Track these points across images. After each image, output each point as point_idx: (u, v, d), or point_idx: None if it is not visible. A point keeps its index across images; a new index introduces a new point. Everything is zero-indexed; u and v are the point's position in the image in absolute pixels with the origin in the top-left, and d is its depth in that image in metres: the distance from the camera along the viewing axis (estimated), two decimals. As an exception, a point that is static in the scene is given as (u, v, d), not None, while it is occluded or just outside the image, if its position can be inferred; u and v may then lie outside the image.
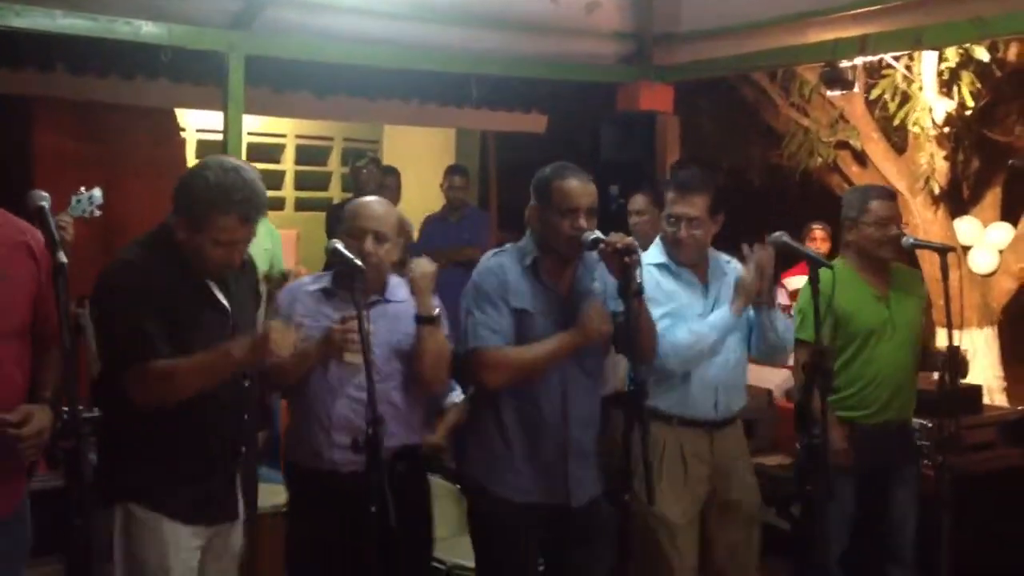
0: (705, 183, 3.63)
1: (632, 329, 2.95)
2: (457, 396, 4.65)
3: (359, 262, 3.04)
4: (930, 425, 3.97)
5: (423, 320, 3.32)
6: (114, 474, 2.92)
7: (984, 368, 7.68)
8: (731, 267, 3.74)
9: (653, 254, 3.73)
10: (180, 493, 2.95)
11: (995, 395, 7.89)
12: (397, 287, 3.48)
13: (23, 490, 2.78)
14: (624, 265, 2.99)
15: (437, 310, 3.34)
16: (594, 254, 3.20)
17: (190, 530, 2.99)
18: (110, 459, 2.94)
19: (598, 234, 3.15)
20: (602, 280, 3.31)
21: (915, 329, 4.02)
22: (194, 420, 2.91)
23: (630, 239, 3.08)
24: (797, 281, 6.68)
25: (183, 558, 2.97)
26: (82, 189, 4.05)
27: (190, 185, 2.93)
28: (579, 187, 3.25)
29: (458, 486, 4.42)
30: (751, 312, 3.62)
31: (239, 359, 2.90)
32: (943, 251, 3.78)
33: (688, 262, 3.66)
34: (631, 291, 2.97)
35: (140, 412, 2.85)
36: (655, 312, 3.45)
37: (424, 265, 3.35)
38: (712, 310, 3.60)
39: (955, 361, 3.73)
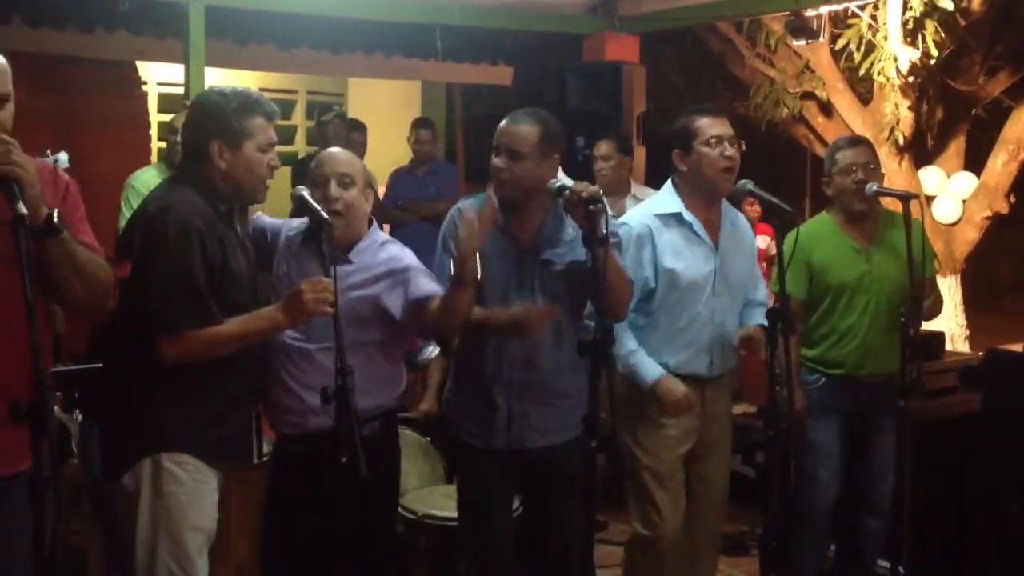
0: None
1: (600, 279, 2.88)
2: (431, 351, 4.58)
3: (325, 214, 2.93)
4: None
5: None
6: (144, 425, 2.83)
7: (947, 316, 7.77)
8: (740, 219, 3.71)
9: (665, 202, 3.62)
10: (213, 435, 2.88)
11: (958, 343, 8.02)
12: (366, 249, 3.24)
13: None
14: (589, 213, 2.91)
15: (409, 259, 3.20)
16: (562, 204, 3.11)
17: (216, 478, 2.94)
18: (138, 410, 2.84)
19: (563, 182, 3.08)
20: (577, 229, 3.14)
21: (901, 282, 3.82)
22: (222, 361, 2.87)
23: (595, 188, 2.99)
24: (761, 241, 6.69)
25: (214, 511, 2.93)
26: (48, 152, 3.97)
27: (210, 108, 2.91)
28: (504, 125, 3.20)
29: (428, 438, 4.43)
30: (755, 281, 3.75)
31: (283, 324, 2.90)
32: (906, 198, 3.75)
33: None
34: (597, 240, 2.88)
35: (166, 363, 2.79)
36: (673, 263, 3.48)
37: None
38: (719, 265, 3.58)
39: (917, 309, 3.73)
